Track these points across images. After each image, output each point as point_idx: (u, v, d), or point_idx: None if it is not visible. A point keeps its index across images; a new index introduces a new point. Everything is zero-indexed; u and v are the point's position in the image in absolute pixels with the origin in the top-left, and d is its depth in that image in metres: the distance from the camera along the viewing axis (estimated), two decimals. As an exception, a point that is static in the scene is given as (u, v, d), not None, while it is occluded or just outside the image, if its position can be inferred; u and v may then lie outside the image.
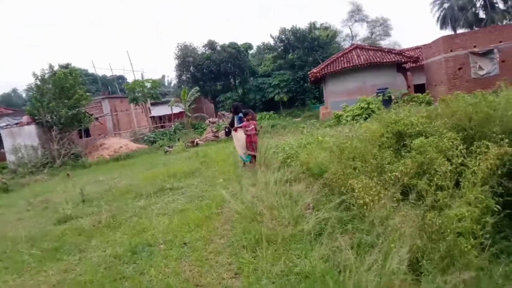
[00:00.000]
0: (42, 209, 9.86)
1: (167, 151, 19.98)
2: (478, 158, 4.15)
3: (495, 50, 19.52)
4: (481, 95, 6.04)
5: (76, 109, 22.17)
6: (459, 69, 20.31)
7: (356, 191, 4.23)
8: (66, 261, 5.51)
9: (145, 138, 27.86)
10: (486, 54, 19.71)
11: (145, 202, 8.40)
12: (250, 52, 47.25)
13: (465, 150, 4.34)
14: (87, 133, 28.53)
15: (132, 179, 12.31)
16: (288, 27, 41.73)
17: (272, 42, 44.23)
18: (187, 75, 43.19)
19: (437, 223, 2.82)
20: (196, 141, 21.30)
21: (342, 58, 26.10)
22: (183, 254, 5.04)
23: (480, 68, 19.77)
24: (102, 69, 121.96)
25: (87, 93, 24.14)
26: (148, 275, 4.49)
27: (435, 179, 4.11)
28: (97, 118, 26.33)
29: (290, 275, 3.79)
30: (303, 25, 48.31)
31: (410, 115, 6.42)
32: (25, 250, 6.12)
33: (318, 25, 43.64)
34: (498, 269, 3.05)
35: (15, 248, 6.39)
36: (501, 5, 40.20)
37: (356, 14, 49.85)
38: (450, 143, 4.34)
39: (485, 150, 4.12)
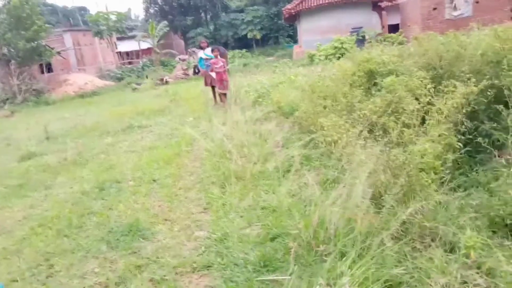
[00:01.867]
0: (4, 145, 9.52)
1: (135, 88, 19.38)
2: (445, 97, 4.22)
3: (470, -9, 19.31)
4: (453, 35, 6.02)
5: (35, 42, 20.77)
6: (434, 9, 20.10)
7: (325, 128, 4.24)
8: (31, 198, 5.42)
9: (112, 74, 26.76)
10: (461, -6, 19.49)
11: (112, 140, 8.24)
12: (223, -15, 44.84)
13: (433, 89, 4.38)
14: (49, 68, 27.04)
15: (99, 116, 11.97)
16: (262, -42, 39.58)
17: (245, -26, 42.04)
18: (155, 8, 40.95)
19: (400, 159, 2.88)
20: (166, 79, 20.68)
21: (317, -6, 25.18)
22: (152, 190, 5.04)
23: (455, 8, 19.64)
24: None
25: (47, 25, 22.50)
26: (117, 211, 4.49)
27: (402, 117, 4.17)
28: (59, 52, 24.82)
29: (258, 209, 3.88)
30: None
31: (382, 54, 6.38)
32: (-13, 187, 5.96)
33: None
34: (455, 202, 3.20)
35: (-23, 184, 6.21)
36: None
37: None
38: (420, 82, 4.35)
39: (453, 89, 4.18)
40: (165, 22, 33.28)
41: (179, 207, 4.40)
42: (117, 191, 5.13)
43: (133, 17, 63.57)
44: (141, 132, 8.74)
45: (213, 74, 10.11)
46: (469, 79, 4.18)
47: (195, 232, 3.77)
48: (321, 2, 23.99)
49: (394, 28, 25.40)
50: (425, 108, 4.23)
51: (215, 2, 40.15)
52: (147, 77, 22.34)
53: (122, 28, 31.52)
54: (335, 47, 18.57)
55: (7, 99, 19.45)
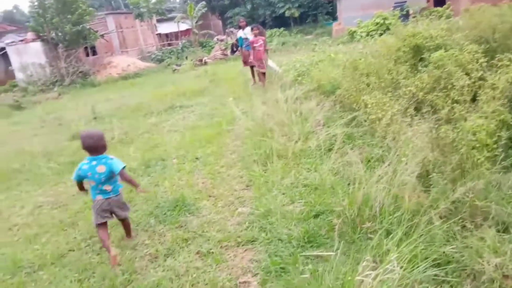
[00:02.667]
0: (56, 125, 10.03)
1: (175, 69, 19.69)
2: (498, 72, 4.00)
3: (528, -42, 17.86)
4: (508, 6, 5.64)
5: (81, 25, 21.49)
6: (485, -20, 18.84)
7: (369, 106, 4.15)
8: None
9: (153, 56, 27.32)
10: (517, -38, 18.08)
11: (156, 119, 8.47)
12: (260, -37, 44.07)
13: (486, 64, 4.16)
14: (94, 51, 27.96)
15: (142, 97, 12.30)
16: None
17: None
18: (193, -11, 40.98)
19: (450, 136, 2.78)
20: (205, 60, 20.85)
21: (359, -32, 24.18)
22: (196, 168, 5.17)
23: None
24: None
25: (90, 8, 23.18)
26: (163, 187, 4.65)
27: (452, 94, 4.00)
28: (102, 35, 25.58)
29: (300, 187, 3.90)
30: None
31: (428, 28, 6.09)
32: (43, 164, 6.34)
33: None
34: (507, 181, 3.07)
35: (34, 162, 6.61)
36: None
37: None
38: (471, 56, 4.14)
39: (507, 63, 3.95)
40: (203, 2, 33.31)
41: (222, 184, 4.50)
42: (162, 169, 5.31)
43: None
44: (183, 112, 8.92)
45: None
46: (526, 51, 3.94)
47: (238, 208, 3.85)
48: (363, -24, 23.04)
49: (439, 2, 24.00)
50: (476, 83, 4.04)
51: (253, -20, 39.65)
52: (186, 58, 22.61)
53: (161, 10, 31.90)
54: (377, 23, 17.90)
55: (56, 81, 20.37)
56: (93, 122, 9.38)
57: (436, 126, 3.45)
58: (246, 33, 10.56)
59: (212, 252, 3.11)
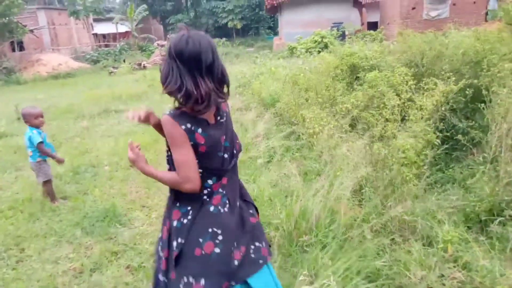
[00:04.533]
0: (-28, 125, 9.09)
1: (111, 72, 18.88)
2: (425, 94, 4.30)
3: (449, -8, 19.73)
4: (434, 34, 6.13)
5: (7, 18, 19.85)
6: (413, 9, 20.45)
7: (307, 120, 4.26)
8: (1, 179, 5.22)
9: (87, 56, 25.97)
10: (440, -5, 19.90)
11: (88, 123, 8.01)
12: (205, -29, 44.12)
13: (414, 86, 4.45)
14: (21, 46, 25.98)
15: (74, 99, 11.59)
16: None
17: (228, -38, 41.42)
18: (135, -9, 39.86)
19: (383, 153, 2.92)
20: (144, 64, 20.25)
21: (300, -13, 25.12)
22: (129, 176, 4.93)
23: (432, 9, 20.04)
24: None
25: (19, 0, 21.54)
26: (92, 195, 4.37)
27: (384, 112, 4.22)
28: (31, 31, 23.85)
29: (238, 199, 3.86)
30: None
31: (364, 49, 6.44)
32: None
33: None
34: (431, 197, 3.28)
35: None
36: None
37: None
38: (401, 78, 4.42)
39: (433, 87, 4.26)
40: (145, 5, 32.51)
41: (156, 194, 4.33)
42: (93, 176, 5.00)
43: (111, -1, 61.82)
44: (118, 116, 8.52)
45: None
46: (449, 77, 4.27)
47: (173, 219, 3.71)
48: (303, -5, 23.97)
49: (373, 26, 25.69)
50: (406, 104, 4.31)
51: (197, -11, 39.55)
52: (124, 61, 21.81)
53: (99, 9, 30.58)
54: (316, 41, 18.63)
55: (-25, 76, 18.63)
56: (16, 123, 8.62)
57: (369, 142, 3.61)
58: None
59: (144, 266, 2.95)
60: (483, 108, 3.79)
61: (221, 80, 1.63)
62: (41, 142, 3.97)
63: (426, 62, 4.80)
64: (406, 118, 4.18)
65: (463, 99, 4.28)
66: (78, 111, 9.35)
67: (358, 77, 5.64)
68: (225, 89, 1.68)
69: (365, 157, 3.40)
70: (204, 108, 1.57)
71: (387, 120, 4.29)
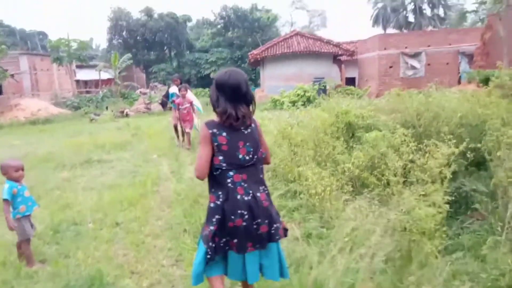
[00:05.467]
0: None
1: (93, 119, 18.59)
2: (426, 156, 4.25)
3: (423, 53, 20.87)
4: (423, 95, 6.26)
5: (-12, 62, 19.62)
6: (390, 67, 21.46)
7: (310, 180, 4.11)
8: (-29, 238, 4.74)
9: (68, 102, 25.65)
10: (415, 56, 21.02)
11: (69, 174, 7.62)
12: (189, 24, 45.65)
13: (415, 148, 4.42)
14: (0, 90, 25.50)
15: (53, 146, 11.18)
16: (230, 4, 40.88)
17: (212, 17, 43.05)
18: (119, 40, 40.58)
19: (404, 224, 2.76)
20: (126, 112, 20.08)
21: (282, 43, 26.15)
22: (116, 235, 4.57)
23: (409, 68, 21.06)
24: (20, 22, 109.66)
25: (2, 46, 21.42)
26: (75, 259, 3.98)
27: (387, 174, 4.13)
28: (12, 75, 23.57)
29: (239, 265, 3.57)
30: (245, 5, 47.68)
31: (352, 105, 6.50)
32: None
33: (260, 7, 43.28)
34: (445, 267, 3.10)
35: None
36: (428, 12, 43.14)
37: (297, 1, 50.37)
38: (402, 139, 4.38)
39: (436, 149, 4.23)
40: (129, 54, 32.93)
41: (147, 258, 3.98)
42: (75, 235, 4.61)
43: (94, 47, 62.56)
44: (101, 167, 8.18)
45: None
46: (450, 140, 4.27)
47: (167, 289, 3.38)
48: (285, 51, 24.86)
49: (351, 81, 26.76)
50: (408, 165, 4.24)
51: (181, 40, 40.49)
52: (107, 108, 21.59)
53: (83, 56, 30.71)
54: (298, 95, 19.06)
55: None
56: (-10, 172, 8.12)
57: (377, 207, 3.47)
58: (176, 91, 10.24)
59: None
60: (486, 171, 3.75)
61: (250, 104, 2.33)
62: (5, 199, 3.70)
63: (423, 123, 4.82)
64: (408, 179, 4.10)
65: (465, 162, 4.25)
66: (58, 160, 8.94)
67: (354, 135, 5.62)
68: (253, 110, 2.37)
69: (376, 223, 3.23)
70: (238, 125, 2.27)
71: (388, 182, 4.21)
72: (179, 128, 10.09)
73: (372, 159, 4.42)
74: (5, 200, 3.68)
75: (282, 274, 2.49)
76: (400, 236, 2.81)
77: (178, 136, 10.20)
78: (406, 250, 2.77)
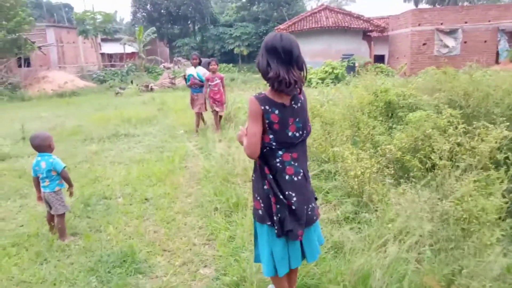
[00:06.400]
0: (-26, 143, 8.68)
1: (118, 92, 18.64)
2: (475, 139, 3.95)
3: (460, 30, 19.84)
4: (460, 73, 5.85)
5: (17, 34, 19.77)
6: (424, 44, 20.53)
7: (349, 161, 3.88)
8: (3, 208, 4.79)
9: (94, 76, 25.82)
10: (451, 32, 20.00)
11: (97, 147, 7.62)
12: (214, -3, 44.86)
13: (463, 129, 4.11)
14: (28, 63, 25.86)
15: (80, 119, 11.24)
16: (256, -23, 39.77)
17: (237, -10, 42.05)
18: (143, 13, 40.29)
19: (459, 213, 2.52)
20: (151, 86, 20.05)
21: (310, 18, 25.38)
22: (146, 211, 4.51)
23: (444, 46, 20.10)
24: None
25: (30, 18, 21.53)
26: (106, 233, 3.94)
27: (432, 157, 3.86)
28: (40, 47, 23.79)
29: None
30: (271, -23, 46.33)
31: (390, 84, 6.16)
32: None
33: (286, -20, 41.92)
34: (501, 260, 2.86)
35: None
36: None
37: (326, -26, 48.64)
38: (450, 120, 4.08)
39: (486, 132, 3.92)
40: (153, 28, 32.71)
41: (178, 235, 3.90)
42: (105, 209, 4.57)
43: (118, 20, 62.53)
44: (128, 141, 8.14)
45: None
46: (502, 122, 3.94)
47: (200, 269, 3.28)
48: (313, 26, 24.13)
49: (380, 59, 25.84)
50: (454, 149, 3.95)
51: (205, 14, 39.89)
52: (132, 82, 21.59)
53: (108, 29, 30.67)
54: (326, 71, 18.52)
55: (-21, 90, 18.34)
56: (20, 143, 8.23)
57: (423, 192, 3.23)
58: (200, 74, 8.44)
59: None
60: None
61: (302, 69, 2.09)
62: (65, 167, 3.82)
63: (471, 104, 4.48)
64: (455, 164, 3.83)
65: (518, 147, 3.93)
66: (86, 133, 8.97)
67: (393, 114, 5.32)
68: (304, 77, 2.12)
69: (423, 209, 3.00)
70: (290, 91, 2.05)
71: (433, 166, 3.95)
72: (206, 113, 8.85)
73: (416, 141, 4.14)
74: (66, 167, 3.84)
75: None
76: (455, 225, 2.58)
77: (198, 125, 8.71)
78: (460, 241, 2.54)
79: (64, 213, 3.85)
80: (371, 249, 2.66)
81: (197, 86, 8.49)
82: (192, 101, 8.66)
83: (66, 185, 3.95)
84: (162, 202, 4.72)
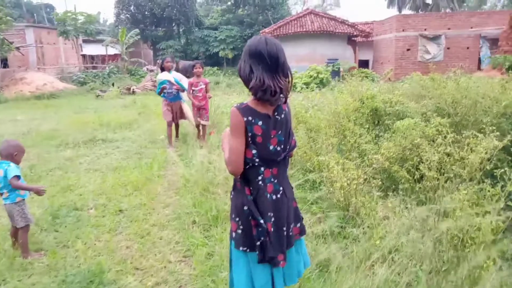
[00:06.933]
0: None
1: (99, 95, 18.16)
2: (465, 149, 3.81)
3: (443, 36, 20.02)
4: (454, 81, 5.75)
5: (-7, 34, 19.11)
6: (408, 50, 20.65)
7: (335, 172, 3.68)
8: (-35, 220, 4.42)
9: (74, 77, 25.13)
10: (434, 38, 20.17)
11: (72, 153, 7.26)
12: (198, 0, 44.48)
13: (452, 139, 3.97)
14: (5, 63, 25.06)
15: (57, 123, 10.80)
16: (242, -21, 39.60)
17: (223, -7, 41.84)
18: (127, 15, 39.67)
19: (457, 233, 2.34)
20: (133, 89, 19.61)
21: (295, 22, 25.32)
22: (119, 224, 4.22)
23: (427, 52, 20.25)
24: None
25: (8, 17, 20.83)
26: (74, 249, 3.64)
27: (421, 168, 3.70)
28: (18, 48, 23.06)
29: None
30: (256, -19, 46.25)
31: (375, 90, 6.02)
32: None
33: (272, -16, 41.89)
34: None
35: None
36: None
37: (311, -22, 48.82)
38: (438, 129, 3.93)
39: (475, 142, 3.78)
40: (137, 30, 32.19)
41: (152, 251, 3.63)
42: (75, 222, 4.26)
43: (102, 21, 61.53)
44: (105, 147, 7.80)
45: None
46: (492, 131, 3.81)
47: (174, 290, 3.03)
48: (298, 30, 24.06)
49: (364, 64, 25.90)
50: (445, 159, 3.80)
51: (189, 17, 39.49)
52: (113, 85, 21.06)
53: (90, 31, 29.99)
54: (311, 76, 18.42)
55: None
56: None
57: (433, 215, 3.04)
58: (176, 77, 7.49)
59: None
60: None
61: (287, 76, 1.89)
62: (16, 176, 3.39)
63: (460, 112, 4.34)
64: (443, 175, 3.68)
65: (509, 158, 3.80)
66: (62, 137, 8.58)
67: (379, 122, 5.16)
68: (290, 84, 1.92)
69: (412, 226, 2.82)
70: (275, 101, 1.86)
71: (421, 177, 3.80)
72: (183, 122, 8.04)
73: (404, 151, 3.98)
74: (17, 176, 3.39)
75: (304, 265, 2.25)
76: (448, 244, 2.39)
77: (170, 137, 7.69)
78: (453, 262, 2.35)
79: (26, 227, 3.54)
80: (359, 270, 2.45)
81: (173, 94, 7.44)
82: (167, 111, 7.51)
83: (30, 193, 3.65)
84: (137, 214, 4.44)
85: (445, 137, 3.82)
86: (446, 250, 2.38)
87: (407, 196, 3.67)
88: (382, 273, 2.30)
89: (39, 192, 3.49)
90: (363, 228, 3.23)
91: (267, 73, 1.81)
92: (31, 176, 5.86)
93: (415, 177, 3.75)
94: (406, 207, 3.16)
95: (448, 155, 3.83)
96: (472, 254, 2.23)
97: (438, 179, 3.57)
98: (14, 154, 3.50)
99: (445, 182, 3.57)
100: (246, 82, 1.87)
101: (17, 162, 3.54)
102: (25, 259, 3.45)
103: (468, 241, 2.26)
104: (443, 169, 3.74)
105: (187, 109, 7.70)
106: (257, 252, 1.94)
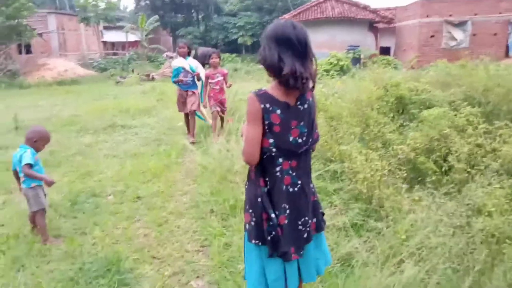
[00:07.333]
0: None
1: (119, 81, 18.28)
2: (498, 141, 3.61)
3: (469, 22, 19.29)
4: (484, 69, 5.47)
5: (16, 20, 19.35)
6: (431, 36, 19.99)
7: (358, 162, 3.54)
8: (-14, 204, 4.48)
9: (95, 64, 25.42)
10: (460, 25, 19.45)
11: (91, 139, 7.31)
12: (217, -14, 44.07)
13: (484, 130, 3.76)
14: (28, 50, 25.46)
15: (77, 109, 10.91)
16: (262, -35, 38.97)
17: (242, -21, 41.28)
18: (146, 1, 39.77)
19: (494, 233, 2.18)
20: (152, 75, 19.67)
21: (315, 8, 24.80)
22: (137, 211, 4.19)
23: (452, 38, 19.56)
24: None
25: (30, 4, 21.08)
26: (91, 236, 3.63)
27: (450, 160, 3.52)
28: (40, 34, 23.39)
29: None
30: (277, -35, 45.44)
31: (400, 78, 5.78)
32: None
33: (292, -31, 41.14)
34: None
35: None
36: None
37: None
38: (469, 119, 3.73)
39: (509, 133, 3.58)
40: (156, 16, 32.20)
41: (169, 240, 3.58)
42: (94, 208, 4.25)
43: (122, 8, 61.75)
44: (124, 133, 7.81)
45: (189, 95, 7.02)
46: (527, 122, 3.59)
47: (192, 280, 2.97)
48: (318, 16, 23.57)
49: (385, 51, 25.23)
50: (476, 151, 3.60)
51: (208, 3, 39.29)
52: (133, 71, 21.20)
53: (110, 17, 30.16)
54: (331, 63, 18.04)
55: (-23, 77, 18.02)
56: (13, 133, 7.92)
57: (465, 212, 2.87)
58: (192, 64, 6.96)
59: None
60: None
61: (312, 62, 1.79)
62: (28, 164, 3.38)
63: (492, 101, 4.11)
64: (474, 167, 3.49)
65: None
66: (82, 123, 8.65)
67: (403, 111, 4.96)
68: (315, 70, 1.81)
69: (445, 223, 2.66)
70: (302, 88, 1.73)
71: (449, 169, 3.61)
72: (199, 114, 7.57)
73: (431, 141, 3.79)
74: (29, 164, 3.37)
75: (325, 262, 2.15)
76: (483, 244, 2.24)
77: (189, 129, 7.27)
78: (487, 262, 2.21)
79: (42, 211, 3.54)
80: (385, 267, 2.33)
81: (190, 82, 6.98)
82: (182, 101, 7.13)
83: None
84: (155, 201, 4.41)
85: (476, 127, 3.62)
86: (480, 249, 2.23)
87: (434, 189, 3.49)
88: (410, 271, 2.17)
89: (48, 183, 3.48)
90: (387, 222, 3.09)
91: (298, 60, 1.69)
92: (51, 161, 5.90)
93: (442, 169, 3.58)
94: (434, 201, 3.00)
95: (479, 146, 3.64)
96: (509, 255, 2.08)
97: (468, 171, 3.39)
98: (34, 140, 3.50)
99: (476, 174, 3.39)
100: (275, 70, 1.72)
101: (36, 149, 3.53)
102: (45, 244, 3.45)
103: (507, 241, 2.10)
104: (473, 162, 3.56)
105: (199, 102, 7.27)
106: (268, 246, 1.87)
